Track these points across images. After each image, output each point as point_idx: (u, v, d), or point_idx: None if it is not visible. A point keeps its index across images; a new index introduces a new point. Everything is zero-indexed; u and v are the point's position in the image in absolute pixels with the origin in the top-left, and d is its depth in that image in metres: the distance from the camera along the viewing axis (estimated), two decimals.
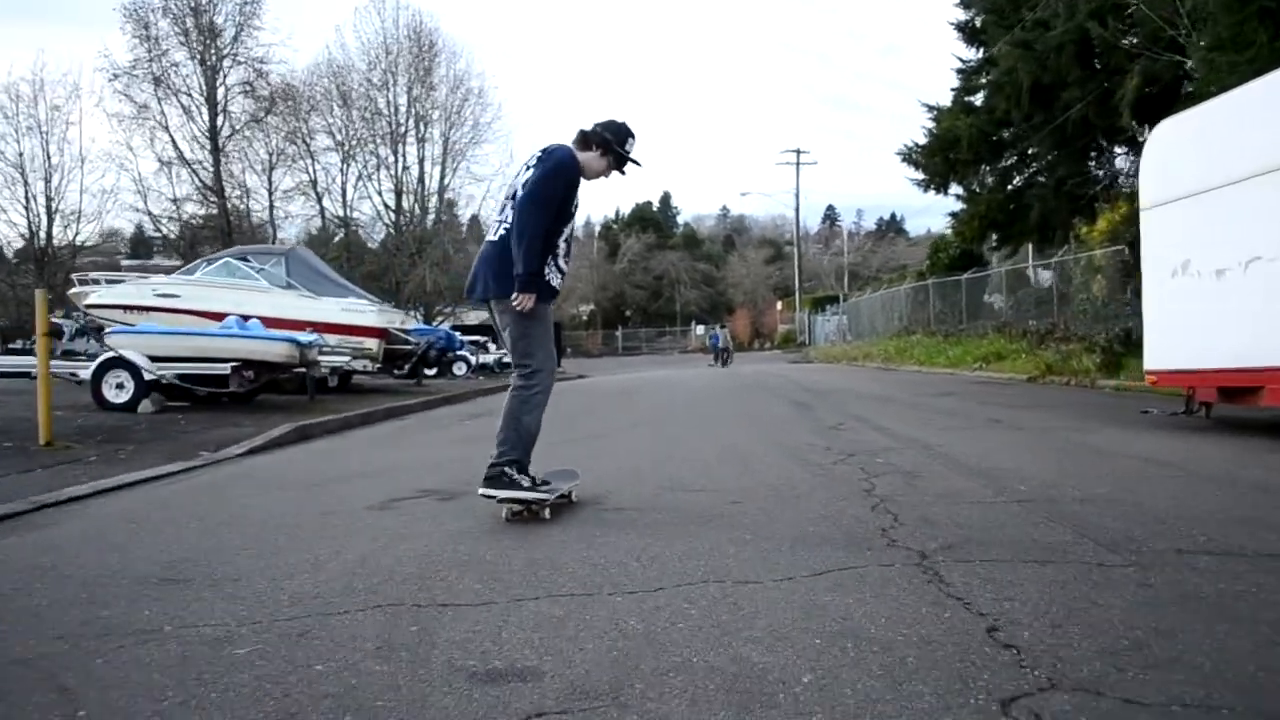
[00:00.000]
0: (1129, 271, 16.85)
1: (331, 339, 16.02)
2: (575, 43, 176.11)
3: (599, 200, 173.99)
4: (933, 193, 29.60)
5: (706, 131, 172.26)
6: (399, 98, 40.91)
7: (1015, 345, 20.82)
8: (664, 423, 11.24)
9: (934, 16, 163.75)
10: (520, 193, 4.76)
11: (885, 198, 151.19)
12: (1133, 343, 15.01)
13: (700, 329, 48.22)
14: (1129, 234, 16.97)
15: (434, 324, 39.12)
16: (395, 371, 21.09)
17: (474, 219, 45.40)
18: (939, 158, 28.37)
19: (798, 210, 62.46)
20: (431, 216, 42.05)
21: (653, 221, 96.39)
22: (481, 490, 4.77)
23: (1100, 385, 14.91)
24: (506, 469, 4.72)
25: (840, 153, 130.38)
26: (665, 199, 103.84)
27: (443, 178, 41.94)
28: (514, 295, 4.64)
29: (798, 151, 61.12)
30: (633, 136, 5.10)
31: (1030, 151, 25.35)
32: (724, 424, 10.61)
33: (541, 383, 4.85)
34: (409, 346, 17.48)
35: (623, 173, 5.13)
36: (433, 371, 29.63)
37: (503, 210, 4.93)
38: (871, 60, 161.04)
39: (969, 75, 29.76)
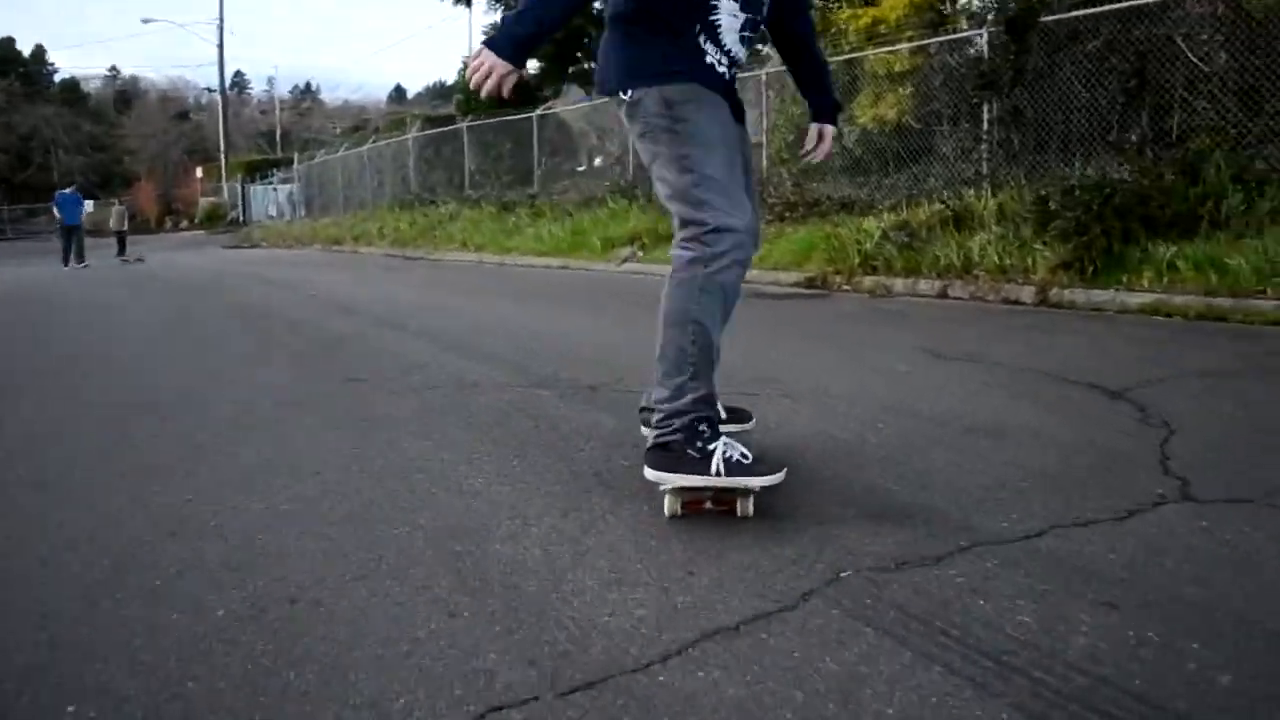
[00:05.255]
0: (989, 80, 8.85)
1: None
2: None
3: None
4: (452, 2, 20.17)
5: None
6: None
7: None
8: None
9: None
10: None
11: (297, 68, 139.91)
12: (1120, 208, 7.01)
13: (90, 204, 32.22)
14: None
15: None
16: None
17: None
18: None
19: (221, 43, 48.17)
20: None
21: (16, 65, 74.02)
22: (648, 471, 2.48)
23: (1085, 304, 6.71)
24: (682, 428, 2.48)
25: (247, 19, 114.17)
26: (38, 53, 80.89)
27: None
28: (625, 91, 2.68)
29: None
30: None
31: None
32: None
33: (726, 250, 2.53)
34: None
35: None
36: None
37: None
38: None
39: None
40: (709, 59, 2.66)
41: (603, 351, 5.14)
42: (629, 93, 2.68)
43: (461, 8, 20.91)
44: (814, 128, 3.01)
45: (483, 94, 2.52)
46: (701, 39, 2.65)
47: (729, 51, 2.70)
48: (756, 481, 2.46)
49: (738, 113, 2.84)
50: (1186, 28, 7.59)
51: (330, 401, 4.08)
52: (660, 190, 2.71)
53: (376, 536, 2.36)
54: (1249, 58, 7.39)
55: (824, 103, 3.03)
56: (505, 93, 2.52)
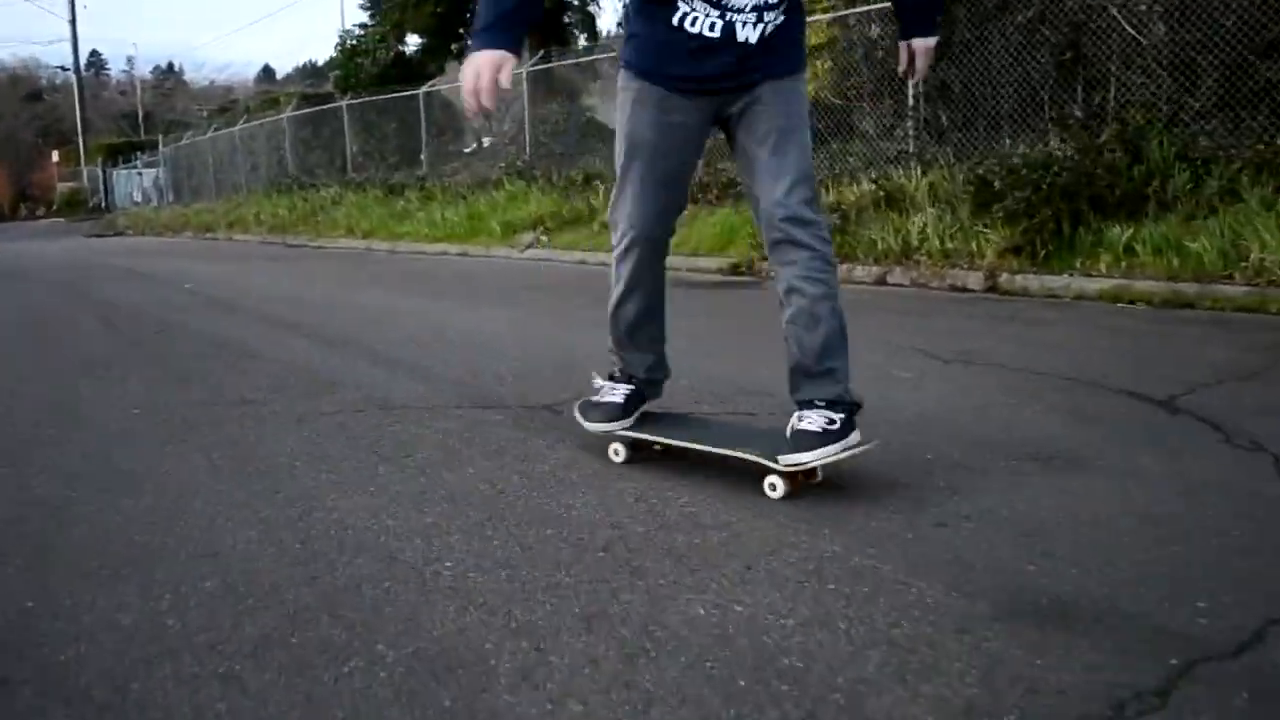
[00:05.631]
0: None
1: None
2: None
3: None
4: None
5: None
6: None
7: (585, 199, 11.32)
8: None
9: None
10: None
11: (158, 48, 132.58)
12: (1066, 188, 6.53)
13: None
14: None
15: None
16: None
17: None
18: None
19: (74, 19, 44.67)
20: None
21: None
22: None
23: (1039, 291, 6.25)
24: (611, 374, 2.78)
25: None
26: None
27: None
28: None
29: None
30: None
31: None
32: None
33: (616, 241, 2.64)
34: None
35: None
36: None
37: None
38: None
39: None
40: (679, 18, 2.30)
41: (544, 357, 4.35)
42: None
43: None
44: (903, 45, 2.61)
45: (483, 102, 2.22)
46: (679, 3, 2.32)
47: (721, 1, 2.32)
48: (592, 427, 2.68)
49: (781, 65, 2.38)
50: None
51: (220, 435, 3.18)
52: None
53: (318, 681, 1.55)
54: (1184, 30, 7.03)
55: (911, 14, 2.62)
56: (505, 81, 2.20)
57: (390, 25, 18.23)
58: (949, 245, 6.97)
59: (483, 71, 2.16)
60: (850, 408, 2.39)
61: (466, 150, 18.15)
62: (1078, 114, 7.10)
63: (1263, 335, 4.56)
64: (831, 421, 2.33)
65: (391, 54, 18.99)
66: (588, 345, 4.65)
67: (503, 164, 14.24)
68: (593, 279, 8.33)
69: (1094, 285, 6.16)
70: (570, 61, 15.04)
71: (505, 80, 2.18)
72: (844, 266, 7.43)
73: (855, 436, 2.35)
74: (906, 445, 2.71)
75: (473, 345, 4.82)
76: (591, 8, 19.25)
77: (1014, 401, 3.29)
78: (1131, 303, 5.87)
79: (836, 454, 2.31)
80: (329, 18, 70.93)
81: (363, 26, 20.28)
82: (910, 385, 3.63)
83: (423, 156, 16.89)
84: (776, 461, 2.31)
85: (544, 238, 10.96)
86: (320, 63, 64.67)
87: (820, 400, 2.38)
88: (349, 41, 20.32)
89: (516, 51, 2.23)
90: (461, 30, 21.15)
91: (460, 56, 21.42)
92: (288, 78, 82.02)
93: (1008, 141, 7.71)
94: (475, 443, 2.92)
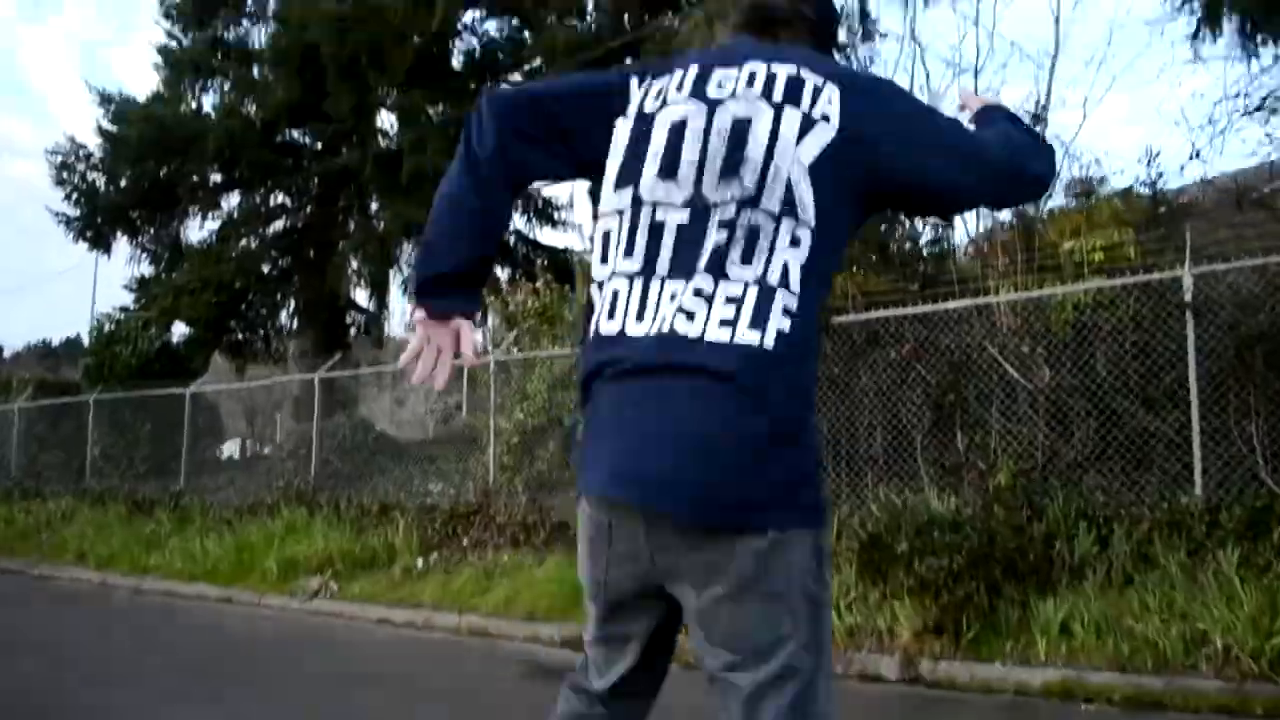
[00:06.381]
0: None
1: None
2: None
3: None
4: (87, 247, 18.16)
5: None
6: None
7: (382, 535, 9.65)
8: None
9: None
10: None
11: None
12: (974, 551, 5.68)
13: None
14: None
15: None
16: None
17: None
18: (140, 171, 16.28)
19: None
20: None
21: None
22: None
23: (969, 683, 5.18)
24: None
25: None
26: None
27: None
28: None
29: None
30: None
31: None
32: None
33: None
34: None
35: None
36: None
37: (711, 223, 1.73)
38: None
39: (208, 50, 17.96)
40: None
41: None
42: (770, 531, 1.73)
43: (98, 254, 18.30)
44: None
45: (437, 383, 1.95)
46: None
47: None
48: None
49: None
50: (1001, 339, 6.76)
51: None
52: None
53: None
54: (1065, 376, 6.65)
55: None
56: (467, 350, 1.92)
57: (159, 312, 16.38)
58: (850, 620, 5.88)
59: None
60: None
61: (221, 457, 16.15)
62: (980, 465, 6.40)
63: None
64: None
65: (157, 344, 16.98)
66: None
67: (280, 483, 12.34)
68: (426, 652, 6.60)
69: (1037, 677, 5.14)
70: (368, 370, 13.71)
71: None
72: None
73: None
74: None
75: None
76: (383, 314, 18.29)
77: None
78: (1089, 700, 4.89)
79: None
80: (72, 295, 66.96)
81: (124, 310, 18.22)
82: None
83: (181, 467, 14.64)
84: None
85: (334, 584, 9.11)
86: (55, 343, 60.18)
87: None
88: (107, 326, 18.11)
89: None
90: (233, 324, 19.58)
91: (228, 351, 19.68)
92: (16, 356, 75.64)
93: (880, 489, 6.94)
94: None
